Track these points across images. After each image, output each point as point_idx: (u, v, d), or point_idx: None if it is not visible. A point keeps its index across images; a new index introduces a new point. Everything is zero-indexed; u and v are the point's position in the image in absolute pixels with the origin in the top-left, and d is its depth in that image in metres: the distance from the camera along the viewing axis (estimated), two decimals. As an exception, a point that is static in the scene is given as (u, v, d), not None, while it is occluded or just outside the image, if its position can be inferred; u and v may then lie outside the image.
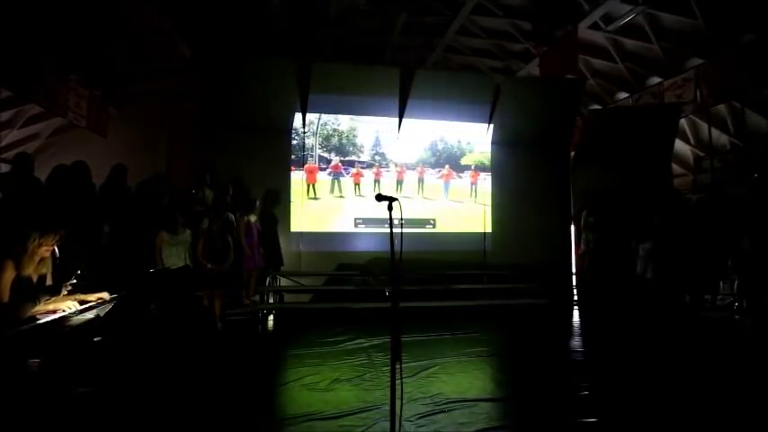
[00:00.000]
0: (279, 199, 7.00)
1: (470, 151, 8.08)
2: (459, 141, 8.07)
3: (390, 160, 7.80)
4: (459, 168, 8.03)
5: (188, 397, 3.27)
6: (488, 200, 7.99)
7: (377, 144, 7.79)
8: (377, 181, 7.74)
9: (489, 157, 8.06)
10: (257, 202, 6.45)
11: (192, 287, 5.41)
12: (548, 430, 2.87)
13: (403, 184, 7.83)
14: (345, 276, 7.12)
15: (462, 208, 8.00)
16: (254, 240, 6.24)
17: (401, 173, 7.83)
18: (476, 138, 8.08)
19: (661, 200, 6.98)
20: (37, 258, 2.67)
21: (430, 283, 7.15)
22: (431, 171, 7.92)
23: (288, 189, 7.25)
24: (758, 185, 7.64)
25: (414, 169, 7.87)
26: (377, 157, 7.76)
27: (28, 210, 3.92)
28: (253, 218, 6.30)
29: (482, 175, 8.06)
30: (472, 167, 8.05)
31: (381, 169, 7.77)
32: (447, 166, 7.96)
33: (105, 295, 2.96)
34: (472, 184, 8.03)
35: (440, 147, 8.02)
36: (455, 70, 11.91)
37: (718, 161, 9.32)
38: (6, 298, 2.44)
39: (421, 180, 7.89)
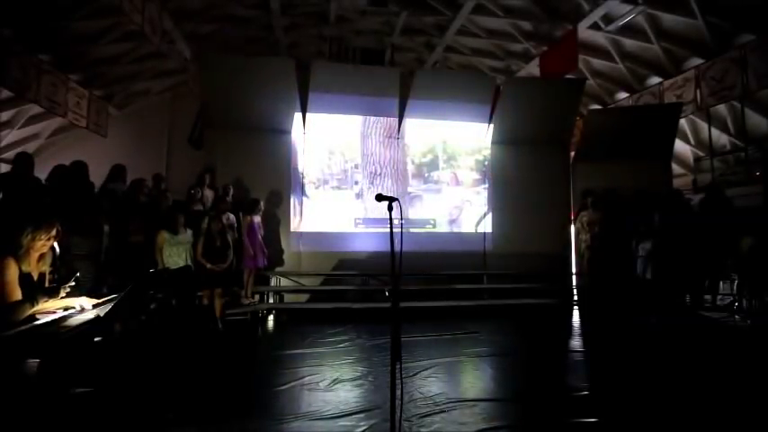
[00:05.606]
0: (281, 199, 7.04)
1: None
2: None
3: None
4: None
5: (188, 397, 3.26)
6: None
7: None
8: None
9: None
10: (261, 203, 6.45)
11: (192, 287, 5.41)
12: (548, 430, 2.87)
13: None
14: (345, 276, 7.12)
15: (461, 208, 7.99)
16: (258, 240, 6.25)
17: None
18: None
19: (661, 200, 6.98)
20: (36, 254, 2.64)
21: (430, 283, 7.15)
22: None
23: (288, 189, 7.24)
24: (758, 185, 7.64)
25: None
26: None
27: (28, 209, 3.91)
28: (257, 218, 6.30)
29: (478, 176, 8.07)
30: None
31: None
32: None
33: (85, 302, 2.74)
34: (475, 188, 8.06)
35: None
36: (455, 70, 11.92)
37: (718, 161, 9.32)
38: (14, 296, 2.43)
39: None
